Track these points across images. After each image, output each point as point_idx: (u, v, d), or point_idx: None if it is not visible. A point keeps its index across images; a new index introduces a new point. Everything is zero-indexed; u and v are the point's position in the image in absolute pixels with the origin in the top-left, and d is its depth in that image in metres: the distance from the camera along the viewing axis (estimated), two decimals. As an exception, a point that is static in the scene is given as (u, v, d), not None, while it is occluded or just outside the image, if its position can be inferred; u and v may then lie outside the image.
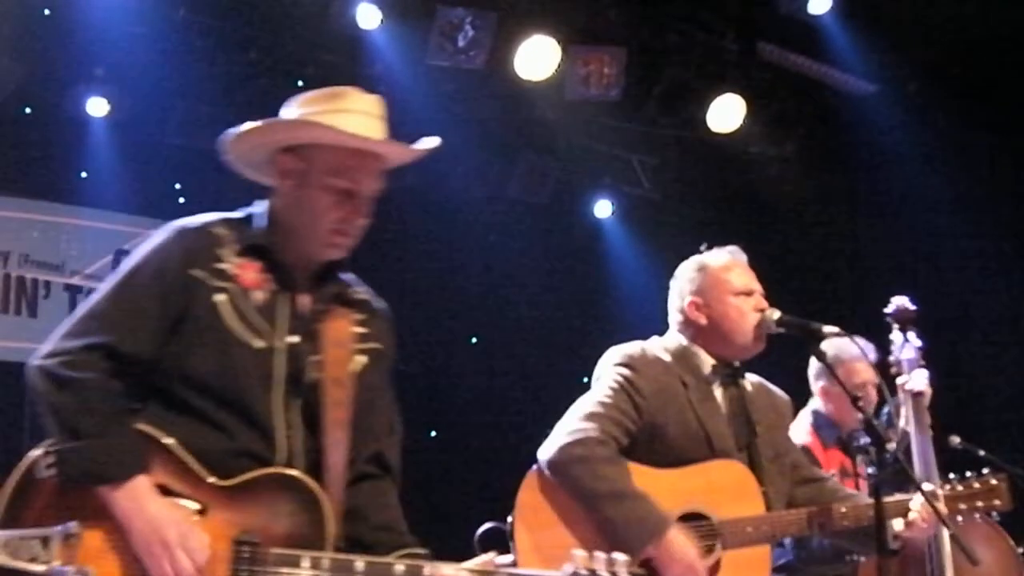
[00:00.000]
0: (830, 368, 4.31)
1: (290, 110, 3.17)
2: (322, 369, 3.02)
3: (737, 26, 8.31)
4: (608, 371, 4.09)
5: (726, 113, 8.46)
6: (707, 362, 4.11)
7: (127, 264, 3.00)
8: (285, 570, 2.80)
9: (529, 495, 3.98)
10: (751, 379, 4.26)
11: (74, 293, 8.01)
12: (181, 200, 8.43)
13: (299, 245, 3.05)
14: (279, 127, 3.10)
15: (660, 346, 4.16)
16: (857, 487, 4.87)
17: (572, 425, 3.95)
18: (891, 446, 3.78)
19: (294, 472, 2.90)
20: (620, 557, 2.89)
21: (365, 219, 3.11)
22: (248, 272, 3.00)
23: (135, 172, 7.99)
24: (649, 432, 3.99)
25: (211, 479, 2.86)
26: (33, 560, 2.74)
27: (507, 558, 3.99)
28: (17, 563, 2.73)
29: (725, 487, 3.95)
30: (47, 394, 2.86)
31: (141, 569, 2.79)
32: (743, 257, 4.22)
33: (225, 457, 2.88)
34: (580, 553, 2.95)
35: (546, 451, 3.95)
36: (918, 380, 4.93)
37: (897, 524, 4.01)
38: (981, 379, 8.29)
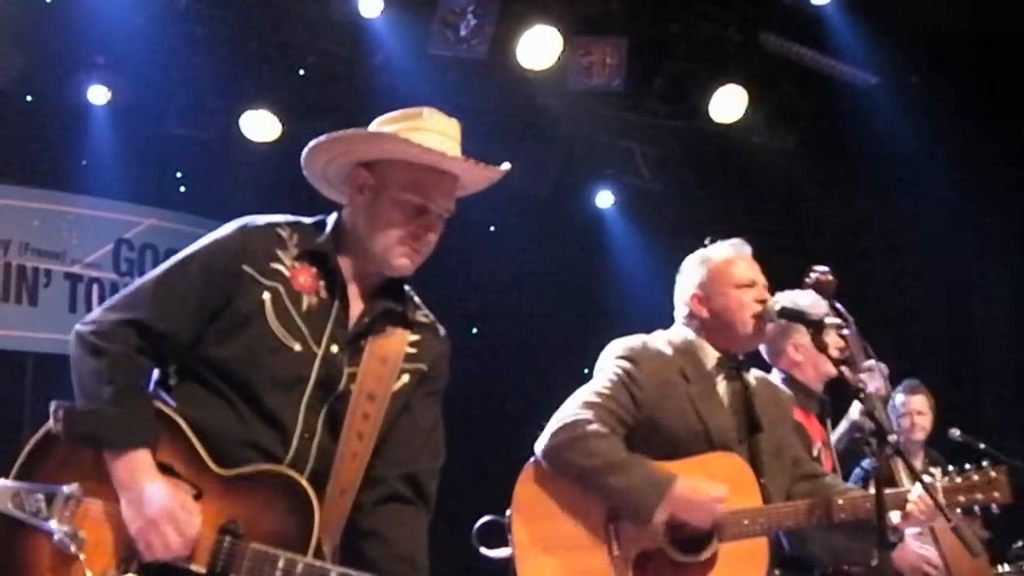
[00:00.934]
0: (827, 354, 4.27)
1: (369, 128, 3.17)
2: (356, 381, 3.02)
3: (740, 17, 8.30)
4: (609, 363, 4.10)
5: (728, 104, 8.45)
6: (711, 355, 4.11)
7: (188, 249, 3.06)
8: (260, 565, 2.82)
9: (527, 488, 3.99)
10: (755, 374, 4.26)
11: (74, 281, 8.01)
12: (182, 189, 8.43)
13: (363, 258, 3.08)
14: (358, 138, 3.11)
15: (664, 339, 4.16)
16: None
17: (569, 413, 3.97)
18: (892, 437, 3.77)
19: (294, 474, 2.91)
20: None
21: (435, 237, 3.14)
22: (302, 276, 3.02)
23: (136, 161, 8.00)
24: (647, 425, 3.99)
25: (213, 466, 2.88)
26: (35, 515, 2.81)
27: (505, 551, 4.00)
28: (20, 514, 2.81)
29: (722, 479, 3.93)
30: (78, 358, 2.91)
31: (130, 540, 2.82)
32: (747, 249, 4.22)
33: (234, 446, 2.90)
34: None
35: (541, 442, 3.97)
36: (875, 383, 4.94)
37: (894, 516, 4.00)
38: (982, 372, 8.29)
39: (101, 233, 8.14)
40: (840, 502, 3.97)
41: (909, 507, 4.01)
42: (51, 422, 2.87)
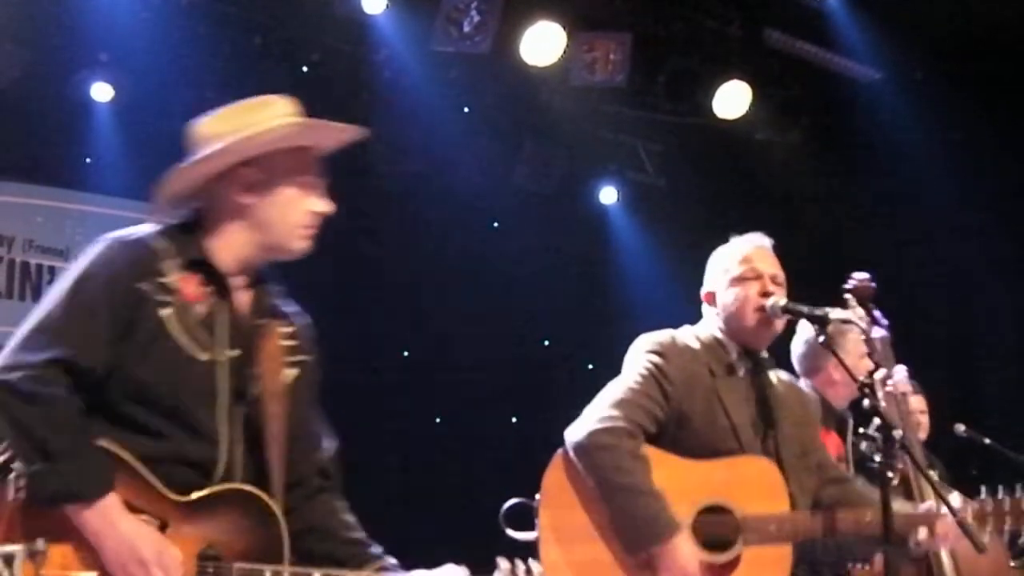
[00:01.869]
0: (836, 354, 4.28)
1: (215, 126, 3.20)
2: (261, 382, 3.06)
3: (743, 12, 8.29)
4: (638, 358, 4.11)
5: (732, 100, 8.44)
6: (733, 350, 4.13)
7: (70, 277, 2.99)
8: None
9: (555, 475, 4.01)
10: (782, 376, 4.27)
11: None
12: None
13: (247, 252, 3.10)
14: (234, 148, 3.09)
15: (692, 334, 4.19)
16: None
17: (602, 411, 3.97)
18: (897, 433, 3.77)
19: (250, 488, 2.94)
20: (537, 566, 3.04)
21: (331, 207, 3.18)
22: (189, 286, 3.01)
23: (139, 158, 7.97)
24: (676, 420, 4.00)
25: (170, 494, 2.87)
26: None
27: (531, 535, 4.02)
28: None
29: (752, 483, 3.94)
30: (13, 409, 2.80)
31: None
32: (764, 243, 4.23)
33: (172, 468, 2.89)
34: (504, 564, 3.05)
35: (575, 434, 3.98)
36: (901, 380, 4.94)
37: (921, 532, 3.99)
38: (985, 367, 8.29)
39: (105, 230, 7.95)
40: (868, 517, 3.93)
41: (939, 529, 3.99)
42: (11, 492, 2.78)
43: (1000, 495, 4.11)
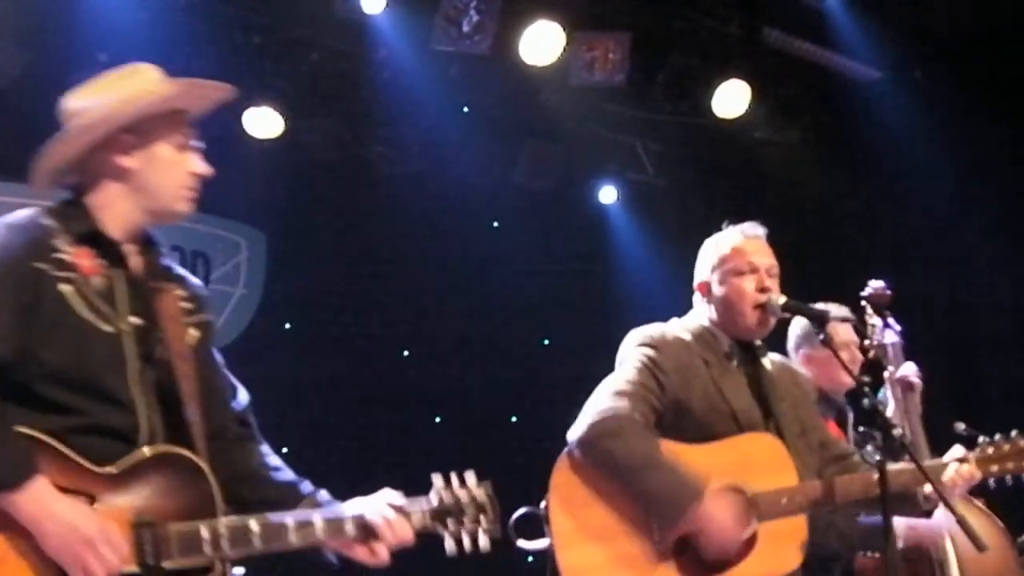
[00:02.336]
0: (835, 352, 4.28)
1: (85, 98, 3.21)
2: (166, 345, 3.08)
3: (742, 11, 8.29)
4: (631, 352, 4.10)
5: (731, 99, 8.44)
6: (724, 341, 4.12)
7: None
8: (188, 542, 2.86)
9: (563, 477, 3.98)
10: (773, 358, 4.27)
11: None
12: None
13: (132, 219, 3.12)
14: (111, 114, 3.11)
15: (681, 327, 4.18)
16: None
17: (601, 404, 3.96)
18: (897, 431, 3.78)
19: (174, 448, 2.96)
20: (470, 475, 3.20)
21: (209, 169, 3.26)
22: (84, 259, 3.02)
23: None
24: (674, 409, 4.00)
25: (95, 469, 2.87)
26: None
27: (543, 542, 4.00)
28: None
29: (757, 459, 3.95)
30: None
31: (49, 572, 2.78)
32: (757, 231, 4.21)
33: (92, 441, 2.89)
34: (438, 478, 3.19)
35: (576, 430, 3.96)
36: (909, 372, 4.97)
37: (928, 487, 4.01)
38: (986, 365, 8.29)
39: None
40: (876, 477, 3.95)
41: (946, 478, 4.02)
42: None
43: (996, 438, 4.15)
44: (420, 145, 8.62)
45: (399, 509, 3.15)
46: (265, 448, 3.31)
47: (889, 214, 8.92)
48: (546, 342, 9.73)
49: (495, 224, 9.49)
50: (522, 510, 4.07)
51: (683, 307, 4.37)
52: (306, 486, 3.23)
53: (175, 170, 3.16)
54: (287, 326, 8.76)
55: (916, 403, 5.05)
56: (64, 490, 2.81)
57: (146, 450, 2.93)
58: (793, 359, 5.13)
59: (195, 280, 3.34)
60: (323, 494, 3.20)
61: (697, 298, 4.23)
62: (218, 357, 3.31)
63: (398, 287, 9.08)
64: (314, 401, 8.68)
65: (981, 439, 4.18)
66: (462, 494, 3.20)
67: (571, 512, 3.94)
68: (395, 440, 8.77)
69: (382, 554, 3.12)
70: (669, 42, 8.30)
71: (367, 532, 3.10)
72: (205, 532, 2.88)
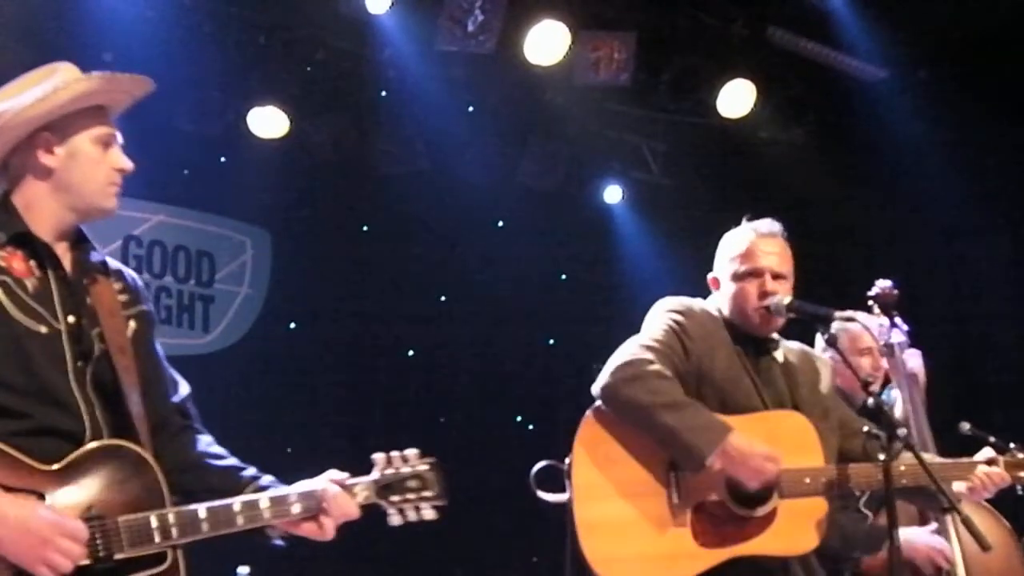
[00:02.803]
0: (841, 353, 4.31)
1: (8, 97, 3.22)
2: (104, 341, 3.08)
3: (747, 11, 8.29)
4: (659, 315, 4.14)
5: (736, 98, 8.44)
6: (739, 331, 4.15)
7: None
8: (138, 534, 2.87)
9: (588, 432, 4.00)
10: (790, 346, 4.28)
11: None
12: (189, 186, 8.44)
13: (61, 217, 3.12)
14: (31, 114, 3.13)
15: (710, 304, 4.22)
16: None
17: (625, 355, 3.98)
18: (902, 431, 3.78)
19: (116, 441, 2.97)
20: (412, 452, 3.30)
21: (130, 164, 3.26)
22: (16, 261, 3.04)
23: (144, 158, 7.95)
24: (696, 375, 4.02)
25: (40, 467, 2.87)
26: None
27: (563, 496, 4.02)
28: None
29: (785, 436, 3.96)
30: None
31: (14, 569, 2.78)
32: (771, 229, 4.24)
33: (38, 443, 2.90)
34: (379, 456, 3.27)
35: (600, 381, 3.98)
36: (913, 362, 4.98)
37: (958, 486, 4.08)
38: (991, 365, 8.28)
39: (109, 230, 8.12)
40: (902, 468, 3.96)
41: (976, 478, 4.07)
42: None
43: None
44: (425, 145, 8.63)
45: (342, 485, 3.19)
46: (208, 437, 3.32)
47: (893, 212, 8.91)
48: (551, 342, 9.73)
49: (500, 223, 9.50)
50: (543, 463, 4.09)
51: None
52: (250, 471, 3.25)
53: (98, 166, 3.16)
54: (292, 325, 8.77)
55: (921, 395, 5.06)
56: (12, 491, 2.80)
57: (90, 445, 2.94)
58: None
59: (130, 272, 3.35)
60: (267, 478, 3.23)
61: (712, 289, 4.27)
62: (159, 349, 3.31)
63: (403, 286, 9.09)
64: (319, 400, 8.68)
65: (1011, 445, 4.19)
66: (404, 469, 3.27)
67: (593, 468, 3.95)
68: (399, 440, 8.75)
69: (329, 528, 3.15)
70: (674, 42, 8.30)
71: (313, 509, 3.13)
72: (154, 522, 2.90)
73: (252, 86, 7.89)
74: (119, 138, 3.24)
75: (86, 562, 2.81)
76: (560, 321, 9.65)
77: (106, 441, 2.96)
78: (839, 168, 9.14)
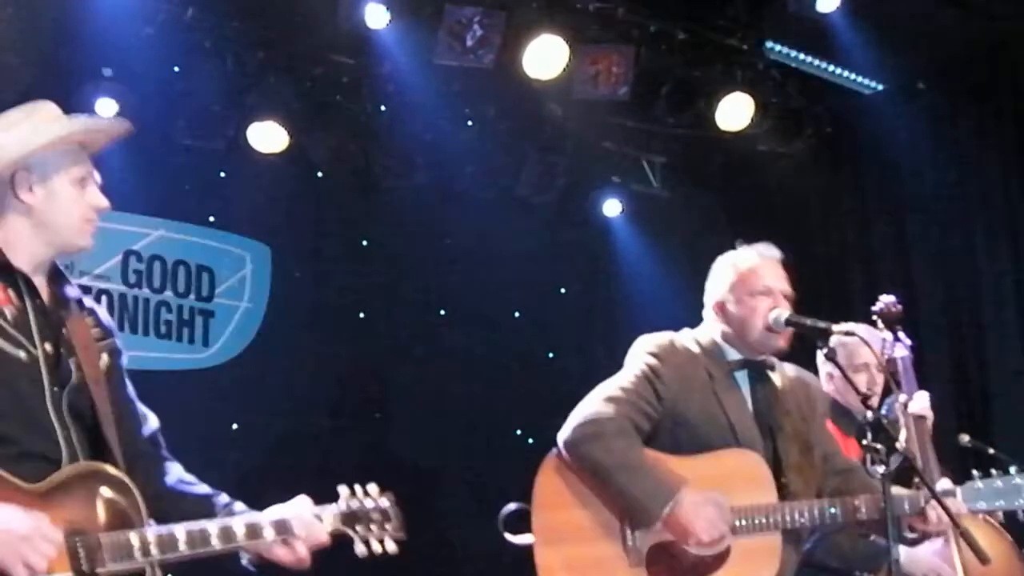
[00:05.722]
0: (839, 366, 4.33)
1: None
2: (81, 371, 3.20)
3: (745, 25, 8.30)
4: (636, 359, 4.20)
5: (735, 112, 8.44)
6: (732, 357, 4.17)
7: None
8: (119, 550, 2.98)
9: (547, 478, 4.09)
10: (789, 371, 4.31)
11: (83, 293, 8.01)
12: (189, 201, 8.45)
13: (39, 252, 3.22)
14: (10, 155, 3.19)
15: (691, 337, 4.27)
16: None
17: (590, 408, 4.08)
18: (900, 444, 3.79)
19: (98, 464, 3.09)
20: (373, 486, 3.43)
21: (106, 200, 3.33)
22: None
23: (144, 173, 8.00)
24: (671, 419, 4.08)
25: (25, 486, 2.96)
26: None
27: (530, 538, 4.06)
28: None
29: (738, 475, 4.02)
30: None
31: None
32: (774, 254, 4.30)
33: (24, 468, 2.99)
34: (344, 488, 3.41)
35: (563, 433, 4.07)
36: (921, 403, 5.00)
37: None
38: (989, 377, 8.27)
39: (110, 245, 8.14)
40: (856, 503, 4.01)
41: (929, 513, 4.06)
42: None
43: (993, 475, 4.17)
44: (424, 159, 8.64)
45: (312, 513, 3.33)
46: (178, 467, 3.45)
47: (892, 225, 8.92)
48: (550, 355, 9.73)
49: (498, 237, 9.50)
50: (512, 506, 4.14)
51: (688, 318, 4.40)
52: (222, 498, 3.38)
53: (75, 205, 3.25)
54: (292, 339, 8.77)
55: (927, 435, 5.06)
56: None
57: (74, 466, 3.06)
58: (822, 377, 5.16)
59: (101, 309, 3.48)
60: (239, 505, 3.35)
61: (709, 313, 4.29)
62: (129, 385, 3.42)
63: (402, 300, 9.09)
64: (318, 413, 8.68)
65: (976, 475, 4.20)
66: (367, 502, 3.41)
67: (550, 512, 4.05)
68: (399, 452, 8.76)
69: (301, 553, 3.28)
70: (673, 55, 8.31)
71: (285, 535, 3.25)
72: (135, 540, 3.02)
73: (251, 101, 7.90)
74: (97, 177, 3.33)
75: (69, 575, 2.91)
76: (560, 334, 9.65)
77: (90, 464, 3.08)
78: (837, 181, 9.15)
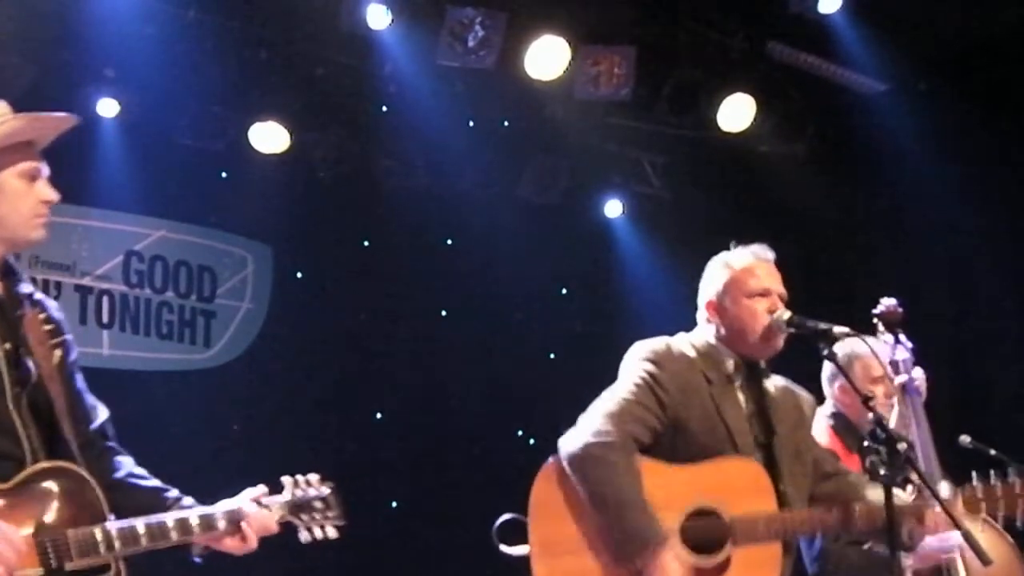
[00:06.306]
0: (840, 368, 4.32)
1: None
2: (37, 367, 3.25)
3: (747, 25, 8.30)
4: (633, 366, 4.14)
5: (736, 112, 8.45)
6: (729, 360, 4.15)
7: None
8: (85, 546, 3.09)
9: (544, 487, 4.04)
10: (776, 381, 4.29)
11: (84, 294, 8.02)
12: (191, 201, 8.46)
13: None
14: None
15: (687, 341, 4.22)
16: None
17: (596, 424, 4.00)
18: (902, 446, 3.78)
19: (60, 463, 3.16)
20: (314, 476, 3.59)
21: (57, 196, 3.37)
22: None
23: (145, 173, 8.02)
24: (673, 427, 4.04)
25: None
26: None
27: (525, 549, 4.04)
28: None
29: (738, 484, 3.98)
30: None
31: None
32: (768, 255, 4.25)
33: None
34: (287, 479, 3.55)
35: (568, 445, 4.01)
36: (918, 377, 4.99)
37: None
38: (991, 378, 8.27)
39: (111, 245, 8.15)
40: (857, 510, 3.99)
41: (928, 520, 4.05)
42: None
43: (992, 481, 4.15)
44: (425, 159, 8.64)
45: (259, 502, 3.47)
46: (129, 459, 3.53)
47: (893, 225, 8.92)
48: (551, 356, 9.73)
49: (500, 238, 9.51)
50: (505, 516, 4.12)
51: (688, 319, 4.38)
52: (173, 492, 3.48)
53: (25, 200, 3.29)
54: (293, 340, 8.77)
55: (921, 408, 5.05)
56: None
57: (38, 465, 3.13)
58: (828, 392, 5.15)
59: (52, 303, 3.51)
60: (188, 499, 3.46)
61: (702, 316, 4.26)
62: (79, 377, 3.47)
63: (404, 301, 9.09)
64: (320, 414, 8.68)
65: (974, 478, 4.19)
66: (310, 491, 3.56)
67: (548, 523, 4.01)
68: (400, 452, 8.77)
69: (252, 541, 3.42)
70: (674, 56, 8.32)
71: (236, 525, 3.38)
72: (99, 535, 3.11)
73: (253, 101, 7.90)
74: (45, 170, 3.36)
75: (39, 571, 3.00)
76: (561, 335, 9.65)
77: (53, 462, 3.15)
78: (839, 181, 9.15)
